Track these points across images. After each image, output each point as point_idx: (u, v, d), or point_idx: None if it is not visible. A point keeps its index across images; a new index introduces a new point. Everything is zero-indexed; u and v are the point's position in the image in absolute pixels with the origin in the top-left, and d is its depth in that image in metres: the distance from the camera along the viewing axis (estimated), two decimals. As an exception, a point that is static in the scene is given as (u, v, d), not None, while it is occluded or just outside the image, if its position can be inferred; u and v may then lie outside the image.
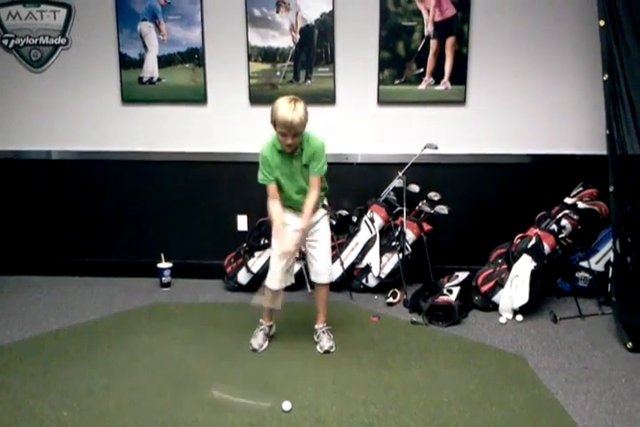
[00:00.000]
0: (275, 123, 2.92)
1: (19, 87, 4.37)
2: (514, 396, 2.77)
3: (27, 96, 4.38)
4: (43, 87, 4.36)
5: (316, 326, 3.36)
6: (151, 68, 4.27)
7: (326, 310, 3.37)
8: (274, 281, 3.22)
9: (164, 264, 4.31)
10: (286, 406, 2.66)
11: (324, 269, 3.28)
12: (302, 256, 3.66)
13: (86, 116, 4.37)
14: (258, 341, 3.29)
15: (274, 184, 3.09)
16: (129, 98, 4.33)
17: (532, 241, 3.77)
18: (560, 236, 3.86)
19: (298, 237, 3.08)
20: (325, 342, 3.25)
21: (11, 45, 4.33)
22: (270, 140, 3.07)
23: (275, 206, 3.11)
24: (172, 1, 4.16)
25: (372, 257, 4.08)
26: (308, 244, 3.26)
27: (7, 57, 4.35)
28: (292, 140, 2.92)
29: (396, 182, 4.13)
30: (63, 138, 4.40)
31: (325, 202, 3.34)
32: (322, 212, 3.25)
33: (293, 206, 3.18)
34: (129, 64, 4.28)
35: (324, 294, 3.33)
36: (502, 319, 3.67)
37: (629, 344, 3.26)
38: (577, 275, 4.00)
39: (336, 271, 4.05)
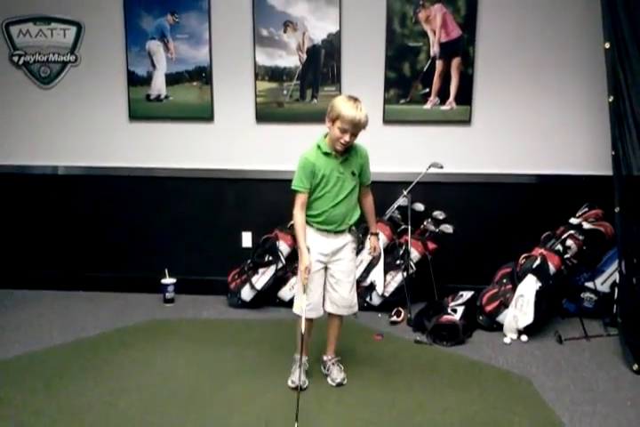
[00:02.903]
0: (337, 118, 2.78)
1: (27, 103, 4.42)
2: (518, 418, 2.74)
3: (35, 112, 4.42)
4: (51, 103, 4.40)
5: (325, 358, 3.16)
6: (159, 86, 4.31)
7: (338, 341, 3.17)
8: (309, 309, 2.94)
9: (167, 280, 4.31)
10: None
11: (345, 302, 3.03)
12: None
13: (94, 132, 4.41)
14: (301, 377, 2.94)
15: (306, 194, 2.90)
16: (136, 115, 4.37)
17: (537, 261, 3.76)
18: (565, 256, 3.85)
19: (375, 241, 3.19)
20: (336, 374, 3.06)
21: (20, 62, 4.38)
22: (315, 145, 2.92)
23: (302, 217, 2.92)
24: (181, 20, 4.22)
25: (377, 275, 4.07)
26: (329, 272, 3.01)
27: (17, 73, 4.40)
28: (349, 139, 2.81)
29: (401, 201, 4.14)
30: (70, 153, 4.44)
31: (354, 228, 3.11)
32: (348, 237, 3.02)
33: (327, 223, 2.94)
34: (137, 81, 4.32)
35: (339, 325, 3.13)
36: (507, 340, 3.65)
37: (635, 366, 3.22)
38: (582, 295, 3.98)
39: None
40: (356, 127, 2.80)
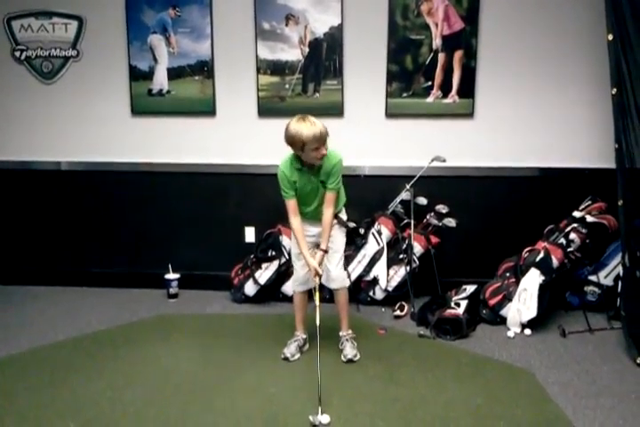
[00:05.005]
0: (304, 145, 2.94)
1: (30, 98, 4.42)
2: (522, 411, 2.74)
3: (37, 107, 4.42)
4: (53, 99, 4.40)
5: (340, 333, 3.40)
6: (161, 80, 4.30)
7: (348, 315, 3.42)
8: (297, 284, 3.39)
9: (171, 275, 4.31)
10: (324, 419, 2.63)
11: (335, 276, 3.31)
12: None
13: (96, 127, 4.40)
14: (290, 350, 3.31)
15: (294, 200, 3.16)
16: (139, 109, 4.36)
17: (541, 255, 3.76)
18: (568, 249, 3.84)
19: (321, 257, 3.20)
20: (349, 350, 3.28)
21: (22, 57, 4.38)
22: (288, 158, 3.13)
23: (296, 223, 3.18)
24: (183, 14, 4.20)
25: (380, 270, 4.07)
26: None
27: (19, 68, 4.40)
28: (324, 151, 3.01)
29: (404, 195, 4.13)
30: (73, 149, 4.44)
31: (343, 215, 3.37)
32: (334, 221, 3.28)
33: (308, 217, 3.25)
34: (139, 76, 4.31)
35: (343, 299, 3.38)
36: (510, 333, 3.65)
37: (639, 359, 3.22)
38: (586, 289, 3.97)
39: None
40: (321, 139, 2.96)
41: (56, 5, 4.29)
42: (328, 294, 3.52)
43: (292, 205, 3.16)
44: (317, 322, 3.07)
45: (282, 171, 3.12)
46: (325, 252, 3.21)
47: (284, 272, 4.16)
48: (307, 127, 2.92)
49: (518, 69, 4.08)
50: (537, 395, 2.91)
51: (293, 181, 3.12)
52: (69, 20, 4.31)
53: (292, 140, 2.97)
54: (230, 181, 4.37)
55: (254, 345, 3.47)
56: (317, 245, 3.26)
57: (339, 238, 3.33)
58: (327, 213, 3.17)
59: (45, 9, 4.31)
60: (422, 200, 4.13)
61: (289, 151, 3.09)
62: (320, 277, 3.18)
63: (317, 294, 3.16)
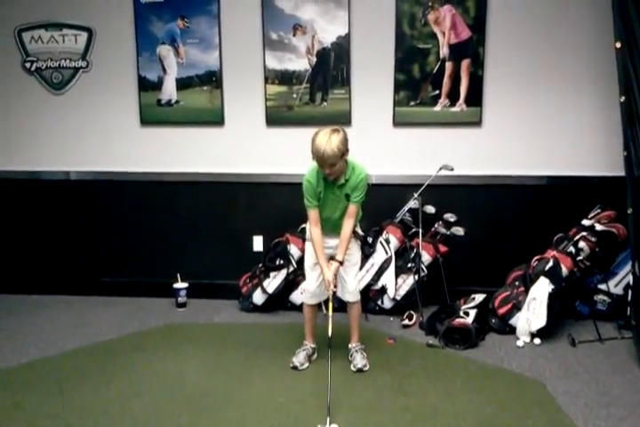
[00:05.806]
0: (312, 153, 2.96)
1: (40, 109, 4.46)
2: (532, 421, 2.72)
3: (47, 118, 4.46)
4: (63, 109, 4.44)
5: (350, 346, 3.39)
6: (170, 91, 4.33)
7: (359, 328, 3.42)
8: (309, 297, 3.38)
9: (179, 284, 4.32)
10: None
11: (352, 288, 3.32)
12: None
13: (105, 137, 4.43)
14: (299, 359, 3.30)
15: (316, 210, 3.14)
16: (147, 120, 4.39)
17: (550, 263, 3.74)
18: (578, 258, 3.82)
19: (336, 268, 3.17)
20: (359, 360, 3.28)
21: (33, 68, 4.42)
22: (314, 167, 3.09)
23: (316, 233, 3.15)
24: (191, 25, 4.23)
25: (388, 279, 4.06)
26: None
27: (29, 79, 4.44)
28: (329, 171, 2.98)
29: (412, 203, 4.13)
30: (82, 159, 4.47)
31: (358, 229, 3.34)
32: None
33: (327, 230, 3.21)
34: (148, 86, 4.34)
35: (355, 312, 3.39)
36: (520, 343, 3.63)
37: (650, 369, 3.21)
38: (595, 298, 3.95)
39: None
40: (324, 160, 2.92)
41: (66, 17, 4.33)
42: (338, 304, 3.51)
43: (314, 214, 3.15)
44: (330, 333, 3.05)
45: (308, 180, 3.11)
46: (341, 263, 3.19)
47: (292, 281, 4.16)
48: (321, 142, 2.90)
49: (526, 78, 4.08)
50: (547, 405, 2.88)
51: (319, 192, 3.11)
52: (79, 32, 4.35)
53: (311, 144, 2.97)
54: (239, 190, 4.38)
55: (263, 354, 3.47)
56: (332, 258, 3.22)
57: (356, 252, 3.33)
58: (347, 224, 3.15)
59: (55, 21, 4.35)
60: (430, 209, 4.13)
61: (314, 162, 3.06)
62: (335, 288, 3.16)
63: (330, 305, 3.13)
